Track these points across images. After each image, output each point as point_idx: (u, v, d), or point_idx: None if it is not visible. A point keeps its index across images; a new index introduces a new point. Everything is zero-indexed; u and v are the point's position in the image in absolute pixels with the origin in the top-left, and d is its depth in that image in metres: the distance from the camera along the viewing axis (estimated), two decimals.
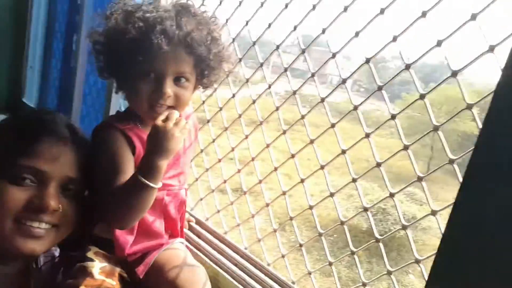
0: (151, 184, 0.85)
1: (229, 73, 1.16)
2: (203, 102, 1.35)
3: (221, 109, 1.33)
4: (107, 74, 0.98)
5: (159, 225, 1.01)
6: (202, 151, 1.35)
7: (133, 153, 0.94)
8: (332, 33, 1.05)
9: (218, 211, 1.31)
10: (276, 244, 1.20)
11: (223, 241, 1.25)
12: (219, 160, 1.33)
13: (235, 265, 1.16)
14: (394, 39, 0.92)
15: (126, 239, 0.97)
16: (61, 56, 2.12)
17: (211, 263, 1.18)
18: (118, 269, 0.98)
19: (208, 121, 1.34)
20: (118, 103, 1.56)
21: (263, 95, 1.22)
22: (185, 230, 1.28)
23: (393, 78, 1.01)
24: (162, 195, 0.99)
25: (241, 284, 1.11)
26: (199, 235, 1.28)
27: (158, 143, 0.86)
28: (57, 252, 0.99)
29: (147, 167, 0.86)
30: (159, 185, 0.88)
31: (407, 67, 0.91)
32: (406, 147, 0.93)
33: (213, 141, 1.34)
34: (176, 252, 1.03)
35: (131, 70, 0.92)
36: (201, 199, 1.38)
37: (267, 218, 1.22)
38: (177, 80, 0.93)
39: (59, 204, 0.84)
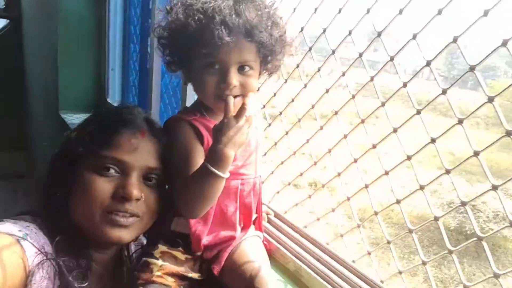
0: (219, 173, 0.87)
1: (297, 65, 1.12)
2: (274, 94, 1.33)
3: (293, 100, 1.30)
4: (174, 67, 1.01)
5: (234, 214, 1.02)
6: (276, 143, 1.34)
7: (202, 143, 0.96)
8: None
9: (296, 204, 1.30)
10: (355, 241, 1.16)
11: (304, 236, 1.23)
12: (294, 153, 1.31)
13: (318, 260, 1.14)
14: (485, 13, 0.81)
15: (202, 229, 0.99)
16: (138, 57, 2.24)
17: (292, 257, 1.16)
18: (182, 269, 1.00)
19: (280, 113, 1.33)
20: (194, 99, 1.61)
21: (333, 89, 1.16)
22: (265, 223, 1.30)
23: (488, 56, 0.88)
24: (237, 184, 1.00)
25: (325, 280, 1.08)
26: (279, 229, 1.27)
27: (227, 135, 0.87)
28: (145, 241, 1.05)
29: (215, 157, 0.87)
30: (227, 174, 0.89)
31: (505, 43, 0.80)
32: (509, 133, 0.81)
33: (286, 133, 1.32)
34: (250, 247, 1.03)
35: (195, 63, 0.94)
36: (278, 192, 1.38)
37: (343, 214, 1.18)
38: (241, 69, 0.93)
39: (141, 193, 0.88)
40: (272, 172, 1.37)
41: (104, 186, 0.86)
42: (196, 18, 0.89)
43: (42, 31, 2.84)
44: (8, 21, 3.12)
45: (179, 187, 0.92)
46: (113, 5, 2.35)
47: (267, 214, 1.32)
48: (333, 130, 1.17)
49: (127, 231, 0.88)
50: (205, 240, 1.00)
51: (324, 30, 1.15)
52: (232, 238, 1.02)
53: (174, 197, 0.95)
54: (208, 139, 0.96)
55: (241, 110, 0.89)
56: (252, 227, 1.10)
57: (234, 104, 0.90)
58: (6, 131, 3.71)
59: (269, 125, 1.35)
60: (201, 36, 0.89)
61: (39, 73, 3.25)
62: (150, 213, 0.92)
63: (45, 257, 0.77)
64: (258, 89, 1.18)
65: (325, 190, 1.23)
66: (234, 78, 0.92)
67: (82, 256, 0.86)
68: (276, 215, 1.32)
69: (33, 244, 0.76)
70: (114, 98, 2.53)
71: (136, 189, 0.87)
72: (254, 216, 1.09)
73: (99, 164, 0.87)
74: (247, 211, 1.05)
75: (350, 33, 1.09)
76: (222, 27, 0.87)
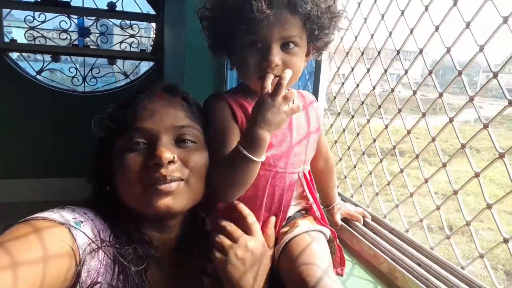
0: (252, 157, 0.80)
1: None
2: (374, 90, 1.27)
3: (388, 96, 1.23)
4: (218, 50, 0.96)
5: (258, 203, 0.92)
6: (374, 139, 1.26)
7: (236, 123, 0.90)
8: None
9: (397, 206, 1.18)
10: (458, 248, 0.98)
11: (403, 239, 1.10)
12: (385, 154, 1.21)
13: (418, 264, 1.00)
14: None
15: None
16: None
17: (386, 257, 1.05)
18: None
19: (380, 106, 1.26)
20: None
21: None
22: (359, 225, 1.21)
23: None
24: (267, 175, 0.91)
25: (424, 284, 0.94)
26: (374, 231, 1.17)
27: (261, 113, 0.80)
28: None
29: (248, 138, 0.81)
30: (262, 158, 0.82)
31: None
32: None
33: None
34: (314, 246, 0.89)
35: (237, 42, 0.89)
36: (377, 194, 1.27)
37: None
38: (285, 46, 0.86)
39: (173, 154, 0.81)
40: (370, 173, 1.29)
41: (135, 159, 0.80)
42: None
43: (176, 69, 3.29)
44: (153, 63, 3.68)
45: (213, 167, 0.86)
46: None
47: (364, 217, 1.22)
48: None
49: (174, 198, 0.80)
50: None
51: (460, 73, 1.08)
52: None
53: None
54: (242, 118, 0.90)
55: (277, 86, 0.80)
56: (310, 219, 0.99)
57: (273, 83, 0.82)
58: None
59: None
60: (240, 12, 0.83)
61: None
62: (196, 175, 0.84)
63: (98, 245, 0.73)
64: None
65: (416, 196, 1.08)
66: (276, 56, 0.84)
67: (138, 239, 0.82)
68: (374, 219, 1.22)
69: (85, 233, 0.72)
70: None
71: (165, 151, 0.79)
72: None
73: (126, 141, 0.82)
74: (275, 210, 0.94)
75: (481, 47, 0.87)
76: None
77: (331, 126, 1.47)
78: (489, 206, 0.88)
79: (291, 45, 0.86)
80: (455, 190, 0.96)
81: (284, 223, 0.96)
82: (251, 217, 0.89)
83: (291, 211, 0.98)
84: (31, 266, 0.61)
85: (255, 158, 0.81)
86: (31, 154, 3.42)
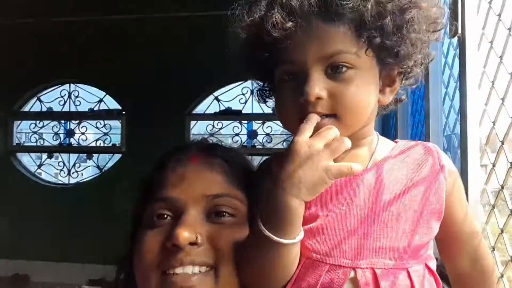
0: (274, 237, 0.55)
1: None
2: None
3: None
4: (262, 94, 0.73)
5: None
6: None
7: None
8: None
9: None
10: None
11: None
12: None
13: None
14: None
15: None
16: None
17: None
18: None
19: None
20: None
21: None
22: None
23: None
24: (317, 273, 0.59)
25: None
26: None
27: (287, 168, 0.55)
28: None
29: (268, 207, 0.57)
30: (294, 239, 0.56)
31: None
32: None
33: None
34: None
35: (270, 74, 0.65)
36: None
37: None
38: (333, 70, 0.59)
39: (198, 232, 0.62)
40: None
41: (154, 238, 0.65)
42: (256, 15, 0.62)
43: None
44: None
45: (242, 250, 0.64)
46: None
47: None
48: None
49: None
50: None
51: None
52: None
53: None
54: None
55: (323, 131, 0.57)
56: None
57: (321, 125, 0.58)
58: None
59: None
60: (260, 36, 0.61)
61: None
62: (229, 261, 0.63)
63: None
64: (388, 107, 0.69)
65: None
66: (317, 85, 0.58)
67: None
68: None
69: None
70: None
71: (186, 229, 0.61)
72: None
73: (149, 214, 0.68)
74: None
75: None
76: (280, 11, 0.58)
77: (493, 167, 0.99)
78: None
79: (342, 68, 0.59)
80: None
81: None
82: None
83: None
84: None
85: (279, 239, 0.56)
86: None
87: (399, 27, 0.58)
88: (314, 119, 0.58)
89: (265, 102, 0.73)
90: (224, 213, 0.66)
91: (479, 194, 1.04)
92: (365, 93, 0.60)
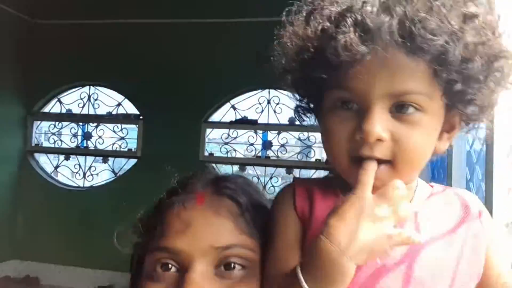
0: None
1: None
2: None
3: None
4: (301, 111, 0.66)
5: None
6: None
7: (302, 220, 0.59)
8: None
9: None
10: None
11: None
12: None
13: None
14: None
15: None
16: None
17: None
18: None
19: None
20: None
21: None
22: None
23: None
24: None
25: None
26: None
27: (350, 226, 0.48)
28: None
29: (317, 265, 0.49)
30: None
31: None
32: None
33: None
34: None
35: (324, 103, 0.58)
36: None
37: None
38: (399, 110, 0.52)
39: None
40: None
41: None
42: (319, 26, 0.55)
43: None
44: (328, 171, 3.59)
45: (263, 279, 0.60)
46: None
47: None
48: None
49: None
50: None
51: None
52: None
53: None
54: (303, 211, 0.59)
55: (393, 196, 0.49)
56: None
57: (379, 176, 0.52)
58: None
59: None
60: (322, 54, 0.53)
61: None
62: None
63: None
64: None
65: None
66: (380, 124, 0.51)
67: None
68: None
69: None
70: None
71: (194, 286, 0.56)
72: None
73: (151, 263, 0.62)
74: None
75: None
76: (353, 30, 0.50)
77: None
78: None
79: (409, 109, 0.52)
80: None
81: None
82: None
83: None
84: None
85: None
86: None
87: (485, 74, 0.52)
88: (372, 167, 0.52)
89: (302, 121, 0.66)
90: (235, 265, 0.60)
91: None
92: (428, 140, 0.54)
